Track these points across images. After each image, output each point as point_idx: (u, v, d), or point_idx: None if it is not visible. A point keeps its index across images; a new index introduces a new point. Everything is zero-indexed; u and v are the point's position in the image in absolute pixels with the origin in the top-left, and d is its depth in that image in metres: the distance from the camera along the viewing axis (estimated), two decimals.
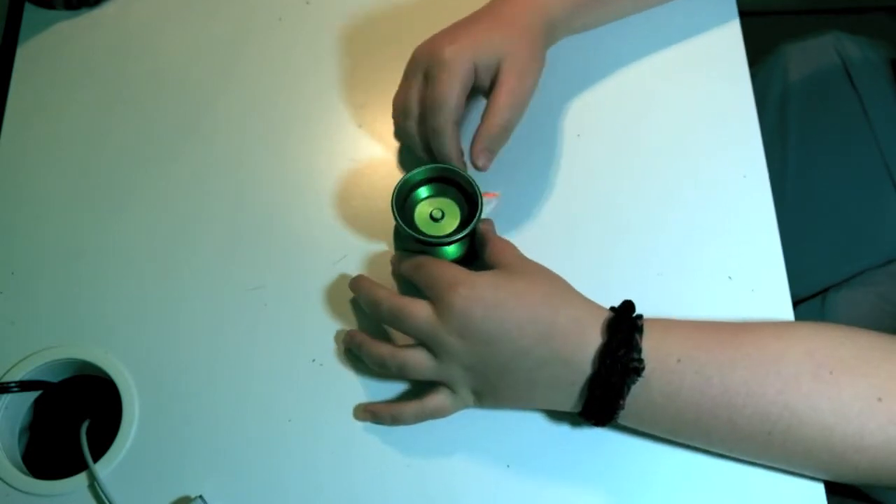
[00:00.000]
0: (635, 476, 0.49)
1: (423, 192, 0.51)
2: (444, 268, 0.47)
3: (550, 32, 0.54)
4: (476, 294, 0.45)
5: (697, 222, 0.55)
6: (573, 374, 0.44)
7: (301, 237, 0.56)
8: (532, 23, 0.52)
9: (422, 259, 0.49)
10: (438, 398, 0.48)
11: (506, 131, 0.50)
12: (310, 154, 0.59)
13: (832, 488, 0.48)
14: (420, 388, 0.49)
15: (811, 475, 0.47)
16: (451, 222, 0.50)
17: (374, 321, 0.52)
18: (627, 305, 0.46)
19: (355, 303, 0.54)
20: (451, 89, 0.48)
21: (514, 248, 0.50)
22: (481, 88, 0.51)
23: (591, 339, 0.44)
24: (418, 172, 0.50)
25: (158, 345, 0.53)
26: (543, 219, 0.55)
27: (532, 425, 0.50)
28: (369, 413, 0.50)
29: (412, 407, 0.48)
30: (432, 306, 0.46)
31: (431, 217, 0.50)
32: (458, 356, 0.45)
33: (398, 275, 0.52)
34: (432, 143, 0.50)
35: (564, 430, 0.50)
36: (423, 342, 0.46)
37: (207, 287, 0.54)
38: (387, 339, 0.52)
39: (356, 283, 0.51)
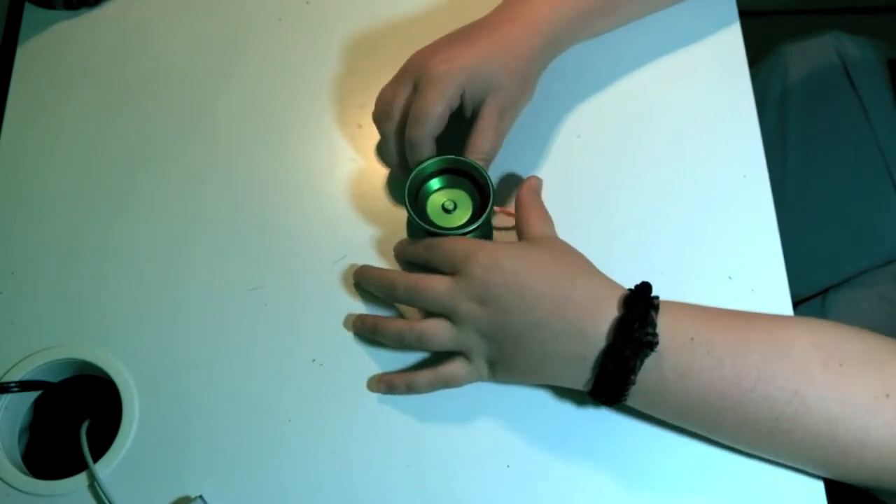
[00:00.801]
0: (635, 476, 0.49)
1: (435, 183, 0.51)
2: (460, 241, 0.48)
3: (552, 49, 0.54)
4: (496, 262, 0.46)
5: (697, 222, 0.55)
6: (586, 347, 0.45)
7: (301, 237, 0.56)
8: (533, 45, 0.51)
9: (431, 239, 0.49)
10: (454, 366, 0.48)
11: (486, 161, 0.51)
12: (310, 154, 0.59)
13: (832, 494, 0.48)
14: (434, 361, 0.50)
15: (813, 472, 0.47)
16: (464, 213, 0.50)
17: (389, 304, 0.52)
18: (645, 286, 0.46)
19: (356, 301, 0.54)
20: (435, 106, 0.48)
21: (548, 222, 0.50)
22: (463, 111, 0.51)
23: (607, 314, 0.45)
24: (431, 164, 0.50)
25: (158, 345, 0.53)
26: None
27: (532, 425, 0.50)
28: (384, 384, 0.51)
29: (426, 374, 0.49)
30: (451, 278, 0.47)
31: (444, 208, 0.50)
32: (476, 323, 0.46)
33: (405, 261, 0.53)
34: (408, 153, 0.51)
35: (565, 431, 0.50)
36: (443, 312, 0.47)
37: (207, 287, 0.54)
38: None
39: (363, 273, 0.52)
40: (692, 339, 0.44)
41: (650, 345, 0.43)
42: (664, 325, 0.44)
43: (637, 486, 0.48)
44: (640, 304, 0.44)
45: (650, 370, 0.44)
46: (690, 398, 0.45)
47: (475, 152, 0.50)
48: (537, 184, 0.53)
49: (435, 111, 0.49)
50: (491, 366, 0.48)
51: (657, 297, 0.46)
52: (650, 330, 0.44)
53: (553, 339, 0.45)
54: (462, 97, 0.50)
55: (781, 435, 0.44)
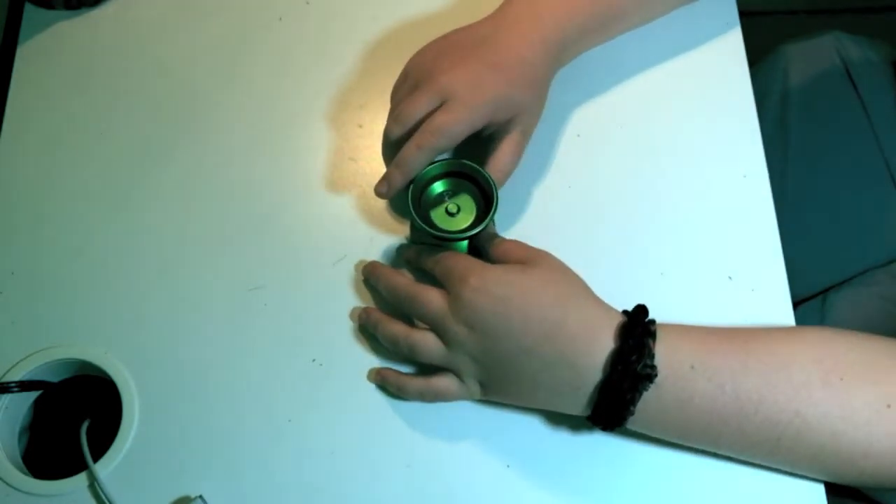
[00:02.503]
0: (635, 476, 0.49)
1: (438, 186, 0.51)
2: (459, 260, 0.48)
3: (559, 64, 0.55)
4: (485, 286, 0.45)
5: (698, 222, 0.55)
6: (579, 378, 0.44)
7: (301, 237, 0.56)
8: (546, 66, 0.52)
9: (440, 254, 0.50)
10: (444, 381, 0.48)
11: (507, 177, 0.52)
12: (310, 154, 0.59)
13: (832, 489, 0.48)
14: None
15: (814, 477, 0.47)
16: (467, 217, 0.50)
17: (391, 307, 0.52)
18: (640, 309, 0.45)
19: (356, 301, 0.54)
20: (458, 127, 0.48)
21: (522, 244, 0.50)
22: (483, 131, 0.51)
23: (602, 344, 0.44)
24: (435, 167, 0.50)
25: (158, 345, 0.53)
26: (543, 219, 0.55)
27: (532, 425, 0.50)
28: (380, 377, 0.51)
29: (418, 383, 0.49)
30: (446, 296, 0.47)
31: (447, 212, 0.50)
32: (466, 347, 0.46)
33: (414, 267, 0.53)
34: (406, 156, 0.49)
35: (565, 430, 0.50)
36: (434, 329, 0.47)
37: (207, 287, 0.54)
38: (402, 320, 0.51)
39: (373, 269, 0.52)
40: (692, 366, 0.44)
41: (649, 377, 0.43)
42: (662, 353, 0.44)
43: (638, 486, 0.48)
44: (638, 332, 0.44)
45: (649, 400, 0.44)
46: (691, 423, 0.45)
47: (498, 170, 0.51)
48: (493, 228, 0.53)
49: (455, 131, 0.48)
50: (483, 387, 0.48)
51: (654, 322, 0.45)
52: (648, 361, 0.43)
53: (543, 368, 0.45)
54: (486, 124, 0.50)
55: (784, 452, 0.44)
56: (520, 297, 0.45)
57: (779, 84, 0.80)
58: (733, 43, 0.60)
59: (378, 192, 0.51)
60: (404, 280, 0.50)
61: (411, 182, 0.50)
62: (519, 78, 0.50)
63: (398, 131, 0.50)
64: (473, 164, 0.50)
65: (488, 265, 0.47)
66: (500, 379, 0.47)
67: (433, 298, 0.47)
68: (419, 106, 0.49)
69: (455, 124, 0.48)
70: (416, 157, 0.49)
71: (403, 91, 0.53)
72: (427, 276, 0.51)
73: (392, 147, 0.52)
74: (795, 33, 0.83)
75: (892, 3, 1.34)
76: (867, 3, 1.37)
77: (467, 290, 0.45)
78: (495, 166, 0.51)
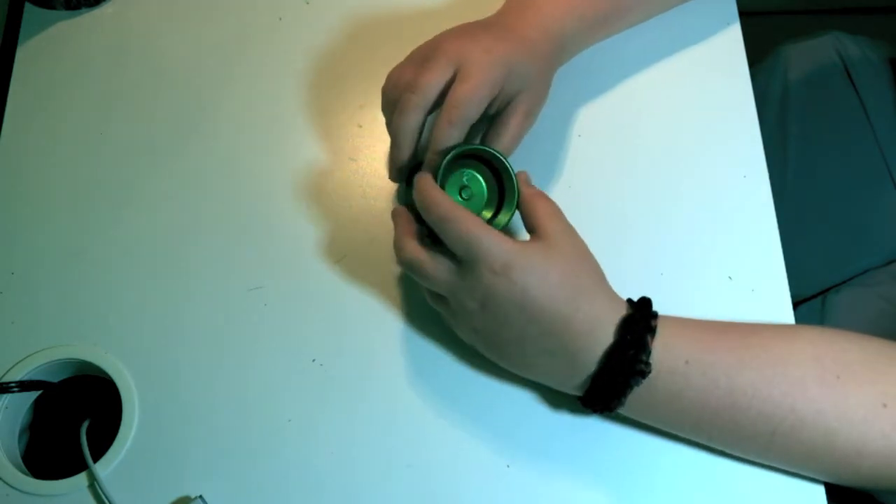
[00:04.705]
0: (635, 476, 0.49)
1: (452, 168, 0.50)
2: (480, 232, 0.44)
3: (561, 57, 0.55)
4: (508, 273, 0.43)
5: (698, 222, 0.55)
6: (576, 367, 0.45)
7: (301, 237, 0.56)
8: (550, 50, 0.52)
9: (451, 212, 0.45)
10: (441, 307, 0.49)
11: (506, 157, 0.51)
12: (310, 154, 0.59)
13: (833, 493, 0.48)
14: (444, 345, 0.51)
15: (811, 477, 0.47)
16: (480, 199, 0.50)
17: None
18: (645, 303, 0.45)
19: (356, 301, 0.54)
20: (480, 91, 0.47)
21: (556, 211, 0.48)
22: (489, 106, 0.50)
23: (603, 338, 0.44)
24: (462, 149, 0.48)
25: (158, 345, 0.53)
26: None
27: (532, 425, 0.50)
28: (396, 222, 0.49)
29: (429, 264, 0.46)
30: (456, 270, 0.45)
31: (462, 196, 0.49)
32: (472, 319, 0.46)
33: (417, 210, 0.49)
34: (438, 136, 0.47)
35: (565, 431, 0.50)
36: (442, 295, 0.47)
37: (207, 287, 0.54)
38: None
39: (396, 212, 0.50)
40: (687, 361, 0.44)
41: (642, 373, 0.43)
42: (659, 348, 0.44)
43: (637, 487, 0.48)
44: (638, 328, 0.44)
45: (641, 392, 0.44)
46: (683, 415, 0.45)
47: (495, 145, 0.50)
48: (528, 177, 0.50)
49: (479, 96, 0.47)
50: (475, 344, 0.48)
51: (656, 316, 0.45)
52: (644, 358, 0.43)
53: (544, 353, 0.45)
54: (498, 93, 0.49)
55: (777, 448, 0.44)
56: (538, 289, 0.44)
57: (779, 84, 0.80)
58: (733, 43, 0.60)
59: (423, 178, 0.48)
60: (412, 244, 0.47)
61: (445, 156, 0.48)
62: (526, 51, 0.50)
63: (421, 102, 0.48)
64: (482, 146, 0.48)
65: (509, 248, 0.44)
66: (497, 351, 0.47)
67: (440, 272, 0.45)
68: (435, 75, 0.48)
69: (477, 89, 0.47)
70: (450, 133, 0.47)
71: (406, 65, 0.51)
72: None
73: (406, 117, 0.49)
74: (795, 33, 0.83)
75: (892, 3, 1.34)
76: (867, 3, 1.37)
77: (489, 272, 0.44)
78: (491, 144, 0.50)
